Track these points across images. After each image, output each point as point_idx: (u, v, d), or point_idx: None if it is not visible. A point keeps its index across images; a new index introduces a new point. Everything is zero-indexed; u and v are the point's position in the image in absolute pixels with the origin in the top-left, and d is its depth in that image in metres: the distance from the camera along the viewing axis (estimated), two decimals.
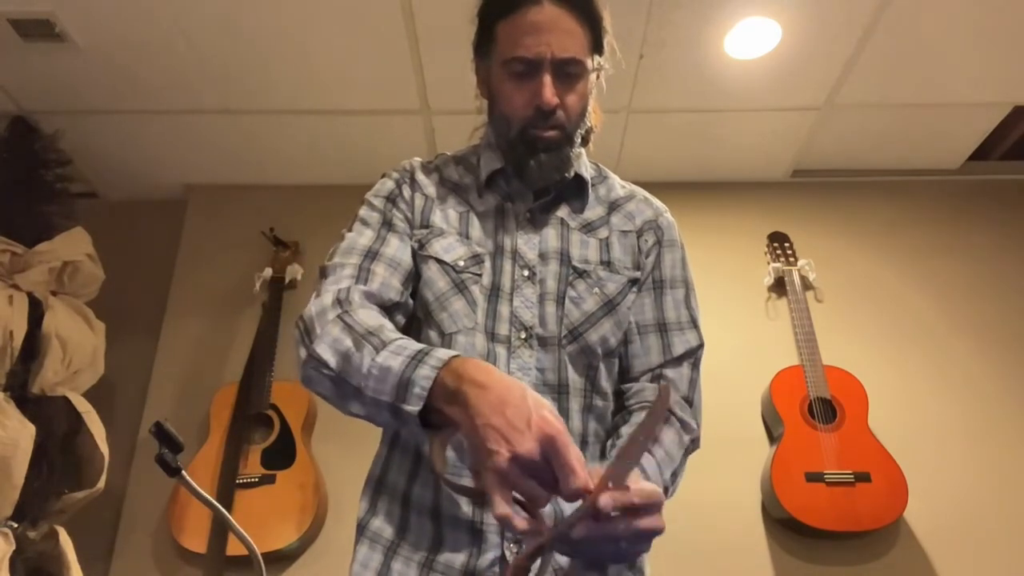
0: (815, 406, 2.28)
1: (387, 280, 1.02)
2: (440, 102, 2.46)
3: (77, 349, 2.17)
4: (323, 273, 1.04)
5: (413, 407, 0.79)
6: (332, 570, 2.21)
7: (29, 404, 2.03)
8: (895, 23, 2.15)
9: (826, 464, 2.17)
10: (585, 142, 1.21)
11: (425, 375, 0.79)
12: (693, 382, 1.10)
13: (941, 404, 2.45)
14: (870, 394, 2.31)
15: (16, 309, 2.07)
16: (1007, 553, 2.23)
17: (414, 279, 1.08)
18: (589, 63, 1.08)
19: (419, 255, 1.08)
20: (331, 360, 0.89)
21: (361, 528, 1.04)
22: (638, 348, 1.10)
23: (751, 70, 2.34)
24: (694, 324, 1.12)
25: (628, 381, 1.10)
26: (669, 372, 1.08)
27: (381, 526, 1.02)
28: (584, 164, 1.18)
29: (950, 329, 2.59)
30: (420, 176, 1.16)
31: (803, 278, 2.60)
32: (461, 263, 1.06)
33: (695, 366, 1.11)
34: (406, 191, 1.14)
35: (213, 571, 2.08)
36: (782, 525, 2.25)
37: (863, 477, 2.15)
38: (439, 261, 1.07)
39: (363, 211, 1.12)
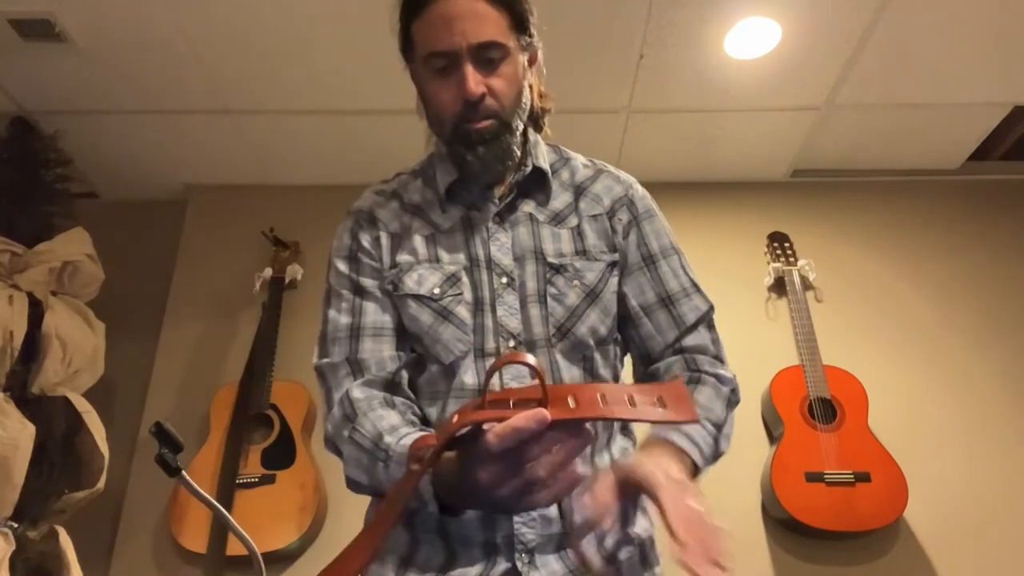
0: (815, 406, 2.28)
1: (378, 357, 1.04)
2: None
3: (77, 349, 2.16)
4: (321, 376, 1.06)
5: (433, 509, 0.86)
6: None
7: (29, 404, 2.03)
8: (895, 23, 2.15)
9: (826, 464, 2.17)
10: (539, 128, 1.19)
11: (424, 485, 0.85)
12: (715, 341, 1.10)
13: (941, 404, 2.45)
14: (870, 394, 2.31)
15: (16, 309, 2.07)
16: (1007, 553, 2.23)
17: (399, 319, 1.07)
18: (511, 44, 1.04)
19: (395, 296, 1.07)
20: (362, 479, 0.98)
21: None
22: (650, 329, 1.09)
23: (751, 70, 2.34)
24: (697, 288, 1.12)
25: (652, 363, 1.09)
26: (689, 340, 1.08)
27: (391, 547, 1.01)
28: (541, 152, 1.15)
29: (950, 329, 2.59)
30: (379, 213, 1.14)
31: (803, 278, 2.60)
32: (437, 291, 1.05)
33: (711, 327, 1.10)
34: (365, 238, 1.11)
35: (213, 571, 2.08)
36: (782, 525, 2.25)
37: (863, 477, 2.15)
38: (415, 296, 1.05)
39: (332, 279, 1.12)
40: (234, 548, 2.08)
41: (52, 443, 2.02)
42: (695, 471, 0.93)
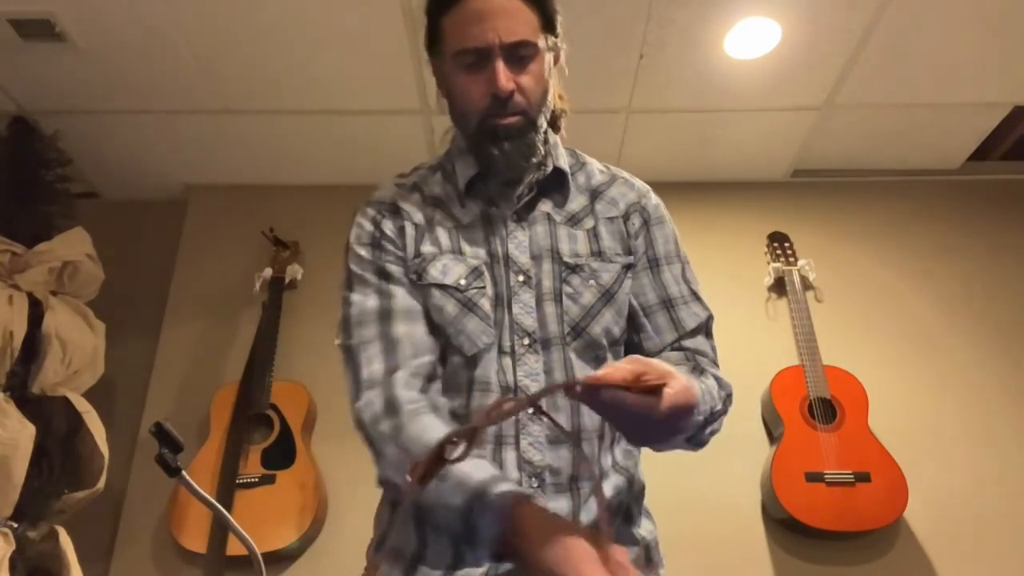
0: (815, 406, 2.28)
1: (414, 339, 1.01)
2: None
3: (77, 349, 2.16)
4: (349, 355, 1.02)
5: (484, 551, 0.84)
6: (332, 570, 2.21)
7: (29, 404, 2.03)
8: (895, 23, 2.15)
9: (826, 464, 2.17)
10: (556, 128, 1.19)
11: (488, 525, 0.83)
12: (714, 349, 1.10)
13: (941, 404, 2.45)
14: (870, 394, 2.31)
15: (16, 309, 2.07)
16: (1007, 553, 2.23)
17: (427, 307, 1.06)
18: (541, 43, 1.05)
19: (419, 285, 1.06)
20: (402, 483, 0.93)
21: (379, 547, 1.04)
22: (649, 331, 1.09)
23: (751, 70, 2.34)
24: (696, 296, 1.12)
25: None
26: (688, 343, 1.08)
27: (400, 545, 1.01)
28: (561, 154, 1.15)
29: (950, 329, 2.59)
30: (403, 204, 1.12)
31: (803, 278, 2.60)
32: (463, 282, 1.05)
33: (709, 335, 1.11)
34: (388, 227, 1.10)
35: (213, 571, 2.08)
36: (782, 525, 2.25)
37: (863, 477, 2.15)
38: (440, 286, 1.05)
39: (353, 265, 1.09)
40: (234, 548, 2.07)
41: (52, 443, 2.02)
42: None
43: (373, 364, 0.99)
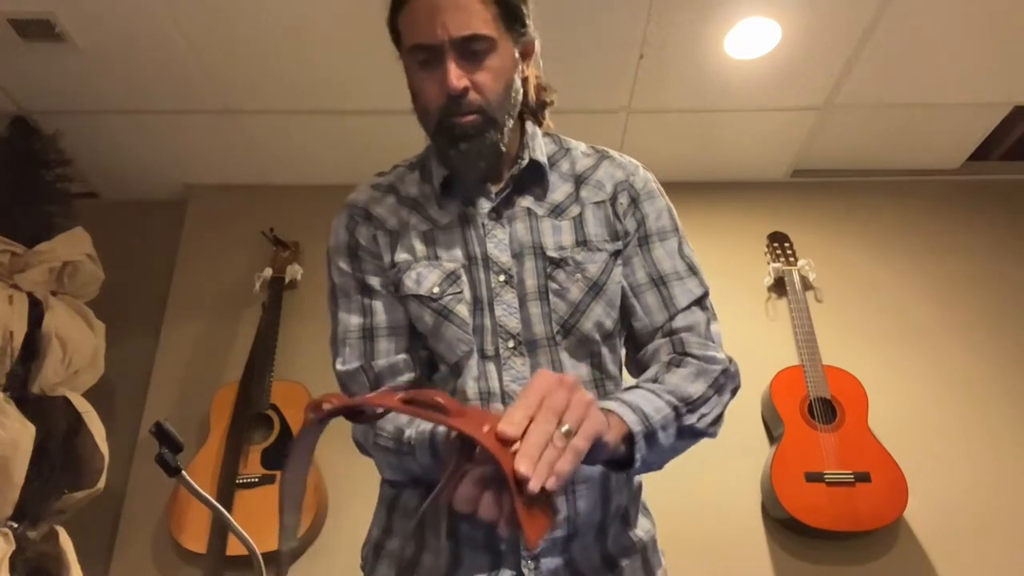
0: (815, 406, 2.28)
1: (392, 362, 1.03)
2: None
3: (77, 349, 2.16)
4: (342, 384, 1.06)
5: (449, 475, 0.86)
6: (332, 570, 2.21)
7: (29, 404, 2.03)
8: (895, 23, 2.15)
9: (826, 464, 2.17)
10: (539, 120, 1.16)
11: (429, 457, 0.91)
12: (708, 321, 1.03)
13: (941, 404, 2.45)
14: (870, 394, 2.31)
15: (16, 309, 2.07)
16: (1007, 553, 2.23)
17: (409, 317, 1.06)
18: (498, 36, 0.99)
19: (398, 297, 1.06)
20: (398, 477, 1.02)
21: (378, 548, 1.04)
22: (639, 312, 1.04)
23: (751, 70, 2.34)
24: (693, 271, 1.06)
25: (640, 348, 1.05)
26: (679, 321, 1.02)
27: (400, 547, 1.01)
28: (539, 145, 1.11)
29: (950, 329, 2.59)
30: (376, 210, 1.11)
31: (803, 278, 2.60)
32: (436, 290, 1.03)
33: (704, 308, 1.04)
34: (363, 235, 1.09)
35: (213, 571, 2.08)
36: (782, 525, 2.25)
37: (863, 477, 2.15)
38: (415, 297, 1.04)
39: (335, 277, 1.10)
40: (234, 548, 2.08)
41: (52, 443, 2.02)
42: (630, 435, 0.82)
43: (361, 392, 1.03)
